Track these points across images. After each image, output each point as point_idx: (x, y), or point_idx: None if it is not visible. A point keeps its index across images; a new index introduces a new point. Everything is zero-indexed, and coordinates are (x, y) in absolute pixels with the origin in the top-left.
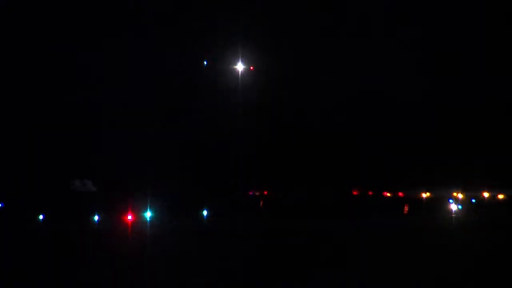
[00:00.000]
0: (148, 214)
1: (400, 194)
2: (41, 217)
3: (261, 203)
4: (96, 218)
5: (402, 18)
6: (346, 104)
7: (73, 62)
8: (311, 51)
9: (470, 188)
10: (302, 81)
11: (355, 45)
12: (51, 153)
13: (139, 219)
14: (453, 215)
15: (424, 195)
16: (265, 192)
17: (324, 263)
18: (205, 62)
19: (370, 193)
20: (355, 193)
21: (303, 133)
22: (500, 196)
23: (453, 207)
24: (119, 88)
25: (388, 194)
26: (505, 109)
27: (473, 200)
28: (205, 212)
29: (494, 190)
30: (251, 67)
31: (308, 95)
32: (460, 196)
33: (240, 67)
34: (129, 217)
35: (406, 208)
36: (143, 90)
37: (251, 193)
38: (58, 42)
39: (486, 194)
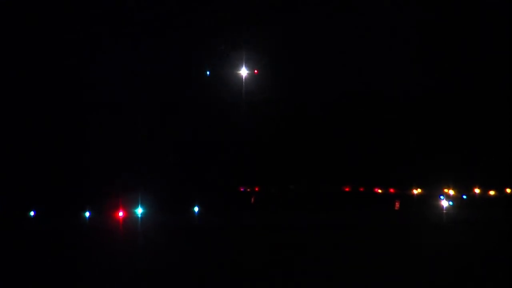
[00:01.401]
0: (139, 211)
1: (391, 190)
2: (32, 213)
3: (253, 199)
4: (87, 214)
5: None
6: (338, 101)
7: (67, 59)
8: (304, 50)
9: (461, 184)
10: (296, 78)
11: (345, 45)
12: (41, 149)
13: (130, 216)
14: (444, 211)
15: (415, 191)
16: (256, 188)
17: (315, 260)
18: (207, 73)
19: (361, 189)
20: (346, 189)
21: (294, 129)
22: (491, 193)
23: (444, 203)
24: (112, 85)
25: (379, 190)
26: (497, 103)
27: (464, 197)
28: (196, 209)
29: (485, 186)
30: (256, 71)
31: (300, 92)
32: (451, 192)
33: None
34: (120, 214)
35: (397, 204)
36: (135, 87)
37: (242, 189)
38: (50, 40)
39: (477, 191)
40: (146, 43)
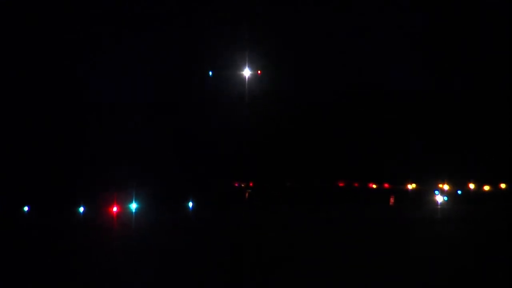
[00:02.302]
0: (133, 206)
1: (386, 185)
2: (26, 208)
3: (247, 194)
4: (81, 209)
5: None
6: (332, 98)
7: (67, 59)
8: (304, 50)
9: (456, 179)
10: (295, 77)
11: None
12: (37, 145)
13: (125, 211)
14: (439, 206)
15: (410, 186)
16: (251, 184)
17: (310, 257)
18: (210, 73)
19: (356, 184)
20: (341, 184)
21: (288, 125)
22: (486, 188)
23: (439, 198)
24: (109, 83)
25: (374, 186)
26: (493, 101)
27: (459, 192)
28: (190, 204)
29: (480, 181)
30: (259, 72)
31: (299, 91)
32: (446, 187)
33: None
34: (115, 209)
35: (392, 200)
36: (131, 86)
37: (236, 185)
38: (50, 40)
39: (472, 186)
40: (146, 43)
